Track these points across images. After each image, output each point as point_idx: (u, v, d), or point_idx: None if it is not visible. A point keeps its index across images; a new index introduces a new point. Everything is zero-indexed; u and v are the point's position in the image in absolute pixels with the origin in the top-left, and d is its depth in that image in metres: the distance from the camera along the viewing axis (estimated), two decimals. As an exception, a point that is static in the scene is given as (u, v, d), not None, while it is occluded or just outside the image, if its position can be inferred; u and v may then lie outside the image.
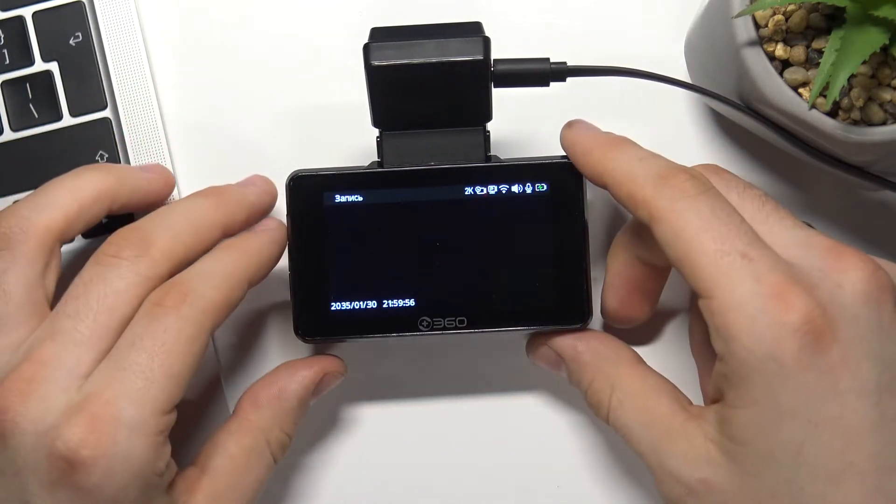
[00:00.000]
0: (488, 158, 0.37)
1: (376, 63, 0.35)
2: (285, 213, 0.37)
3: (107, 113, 0.41)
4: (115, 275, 0.33)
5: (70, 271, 0.34)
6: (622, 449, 0.40)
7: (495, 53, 0.35)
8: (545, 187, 0.36)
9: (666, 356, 0.41)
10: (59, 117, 0.41)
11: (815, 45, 0.34)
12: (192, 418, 0.40)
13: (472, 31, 0.35)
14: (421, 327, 0.36)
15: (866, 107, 0.34)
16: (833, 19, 0.34)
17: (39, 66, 0.41)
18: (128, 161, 0.40)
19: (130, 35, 0.41)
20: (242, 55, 0.42)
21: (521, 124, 0.41)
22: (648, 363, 0.36)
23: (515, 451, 0.41)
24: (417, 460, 0.41)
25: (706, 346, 0.36)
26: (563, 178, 0.36)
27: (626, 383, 0.35)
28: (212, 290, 0.33)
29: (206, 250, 0.35)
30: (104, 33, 0.41)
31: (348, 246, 0.36)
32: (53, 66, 0.41)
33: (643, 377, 0.35)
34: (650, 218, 0.32)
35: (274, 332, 0.41)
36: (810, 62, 0.34)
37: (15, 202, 0.35)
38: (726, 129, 0.41)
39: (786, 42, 0.35)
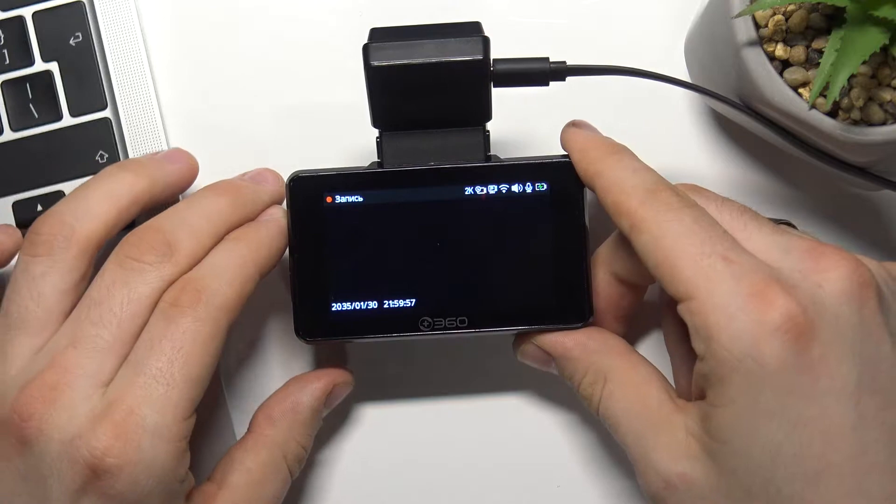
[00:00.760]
0: (488, 158, 0.37)
1: (376, 63, 0.35)
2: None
3: (107, 113, 0.41)
4: (140, 280, 0.33)
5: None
6: (622, 448, 0.40)
7: (495, 53, 0.35)
8: (545, 187, 0.36)
9: (653, 346, 0.41)
10: (59, 117, 0.41)
11: (815, 45, 0.34)
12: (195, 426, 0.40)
13: (472, 30, 0.35)
14: (422, 327, 0.36)
15: (866, 107, 0.34)
16: (833, 19, 0.34)
17: (39, 66, 0.41)
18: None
19: (130, 35, 0.41)
20: (242, 55, 0.42)
21: (521, 124, 0.41)
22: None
23: (515, 451, 0.41)
24: (417, 460, 0.41)
25: (679, 343, 0.36)
26: (562, 177, 0.36)
27: (617, 373, 0.35)
28: (226, 287, 0.33)
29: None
30: (104, 33, 0.41)
31: (348, 246, 0.36)
32: (53, 66, 0.41)
33: (634, 367, 0.35)
34: (631, 228, 0.32)
35: (274, 332, 0.41)
36: (810, 62, 0.34)
37: (56, 204, 0.35)
38: (726, 129, 0.41)
39: (786, 42, 0.35)
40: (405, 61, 0.35)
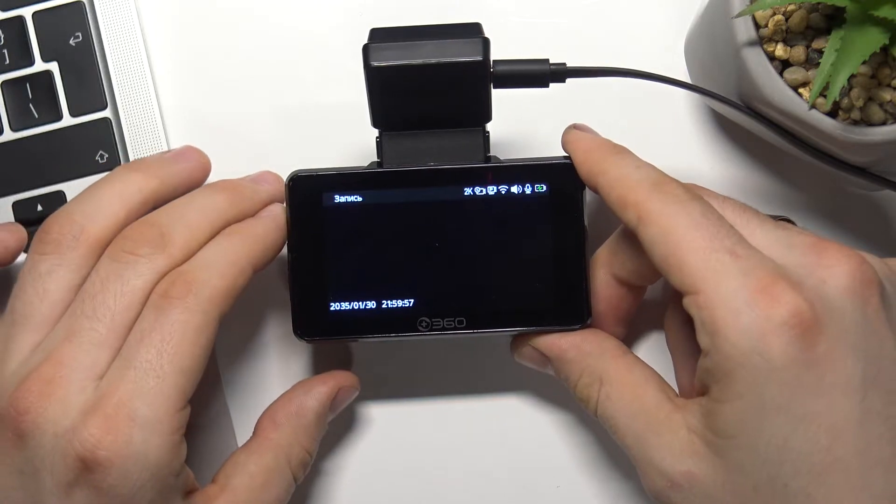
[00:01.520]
0: (488, 159, 0.37)
1: (376, 64, 0.35)
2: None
3: (107, 113, 0.41)
4: (132, 272, 0.33)
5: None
6: (623, 449, 0.40)
7: (495, 54, 0.35)
8: (544, 188, 0.36)
9: (653, 346, 0.41)
10: (59, 117, 0.41)
11: (815, 45, 0.34)
12: (194, 430, 0.40)
13: (472, 32, 0.35)
14: (420, 328, 0.36)
15: (866, 107, 0.34)
16: (833, 19, 0.34)
17: (39, 66, 0.41)
18: (128, 160, 0.40)
19: (130, 35, 0.41)
20: (243, 55, 0.42)
21: (521, 125, 0.41)
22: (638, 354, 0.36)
23: (515, 451, 0.41)
24: (416, 460, 0.41)
25: (682, 341, 0.36)
26: (562, 178, 0.36)
27: (613, 375, 0.35)
28: (216, 279, 0.33)
29: None
30: (104, 33, 0.41)
31: (348, 246, 0.36)
32: (53, 66, 0.41)
33: (630, 368, 0.35)
34: (638, 220, 0.32)
35: (274, 332, 0.41)
36: (810, 62, 0.34)
37: (66, 204, 0.35)
38: (726, 129, 0.41)
39: (786, 42, 0.34)
40: (405, 62, 0.35)
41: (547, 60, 0.36)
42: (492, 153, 0.37)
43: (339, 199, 0.36)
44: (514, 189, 0.36)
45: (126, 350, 0.32)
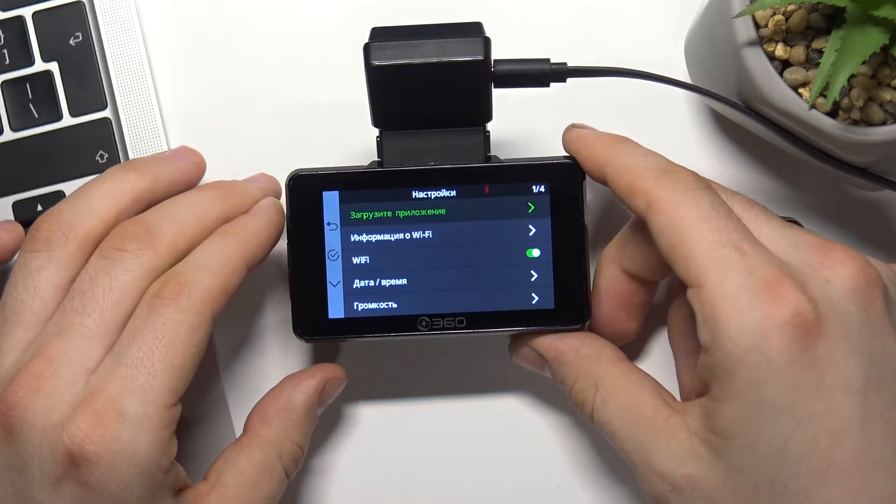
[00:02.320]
0: (488, 158, 0.37)
1: (376, 63, 0.35)
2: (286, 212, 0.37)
3: (107, 113, 0.41)
4: (120, 268, 0.33)
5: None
6: (621, 455, 0.40)
7: (496, 54, 0.35)
8: (545, 187, 0.36)
9: (649, 352, 0.41)
10: (59, 117, 0.41)
11: (815, 45, 0.34)
12: (193, 425, 0.40)
13: (473, 31, 0.35)
14: (420, 327, 0.36)
15: (866, 107, 0.34)
16: (833, 19, 0.34)
17: (39, 66, 0.41)
18: (128, 160, 0.40)
19: (130, 35, 0.41)
20: (243, 55, 0.42)
21: (521, 125, 0.41)
22: (632, 359, 0.36)
23: (514, 451, 0.41)
24: (416, 460, 0.41)
25: (685, 338, 0.36)
26: (562, 178, 0.36)
27: (609, 381, 0.35)
28: (209, 279, 0.33)
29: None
30: (104, 33, 0.41)
31: (348, 245, 0.36)
32: (53, 66, 0.41)
33: (626, 374, 0.35)
34: (647, 208, 0.32)
35: (272, 328, 0.41)
36: (810, 62, 0.34)
37: (58, 203, 0.35)
38: (726, 129, 0.41)
39: (786, 42, 0.35)
40: (406, 61, 0.35)
41: (548, 60, 0.36)
42: (492, 153, 0.37)
43: (339, 198, 0.36)
44: (515, 189, 0.36)
45: (118, 347, 0.32)
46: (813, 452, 0.30)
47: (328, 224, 0.36)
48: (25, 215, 0.40)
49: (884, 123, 0.34)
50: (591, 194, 0.37)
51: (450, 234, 0.36)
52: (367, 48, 0.35)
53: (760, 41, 0.34)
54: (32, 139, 0.41)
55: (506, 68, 0.36)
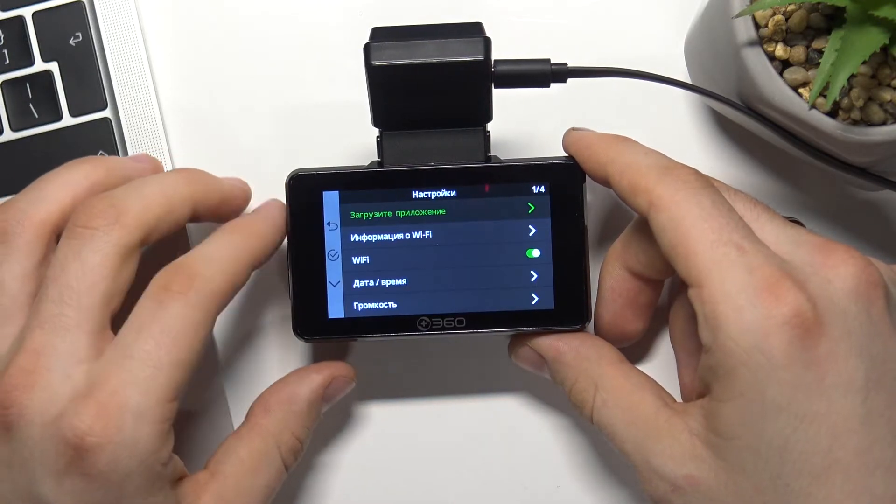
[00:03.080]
0: (488, 159, 0.37)
1: (377, 63, 0.35)
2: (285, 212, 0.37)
3: (107, 113, 0.41)
4: (89, 249, 0.32)
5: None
6: (622, 456, 0.40)
7: (496, 54, 0.35)
8: (545, 188, 0.36)
9: (649, 353, 0.41)
10: (59, 117, 0.41)
11: (815, 45, 0.34)
12: (193, 419, 0.40)
13: (473, 31, 0.35)
14: (420, 327, 0.36)
15: (866, 107, 0.34)
16: (833, 19, 0.34)
17: (39, 66, 0.41)
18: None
19: (130, 35, 0.41)
20: (243, 55, 0.42)
21: (522, 125, 0.41)
22: (632, 361, 0.36)
23: (514, 451, 0.41)
24: (417, 460, 0.41)
25: (686, 338, 0.36)
26: (562, 178, 0.36)
27: (608, 382, 0.35)
28: (219, 275, 0.33)
29: (177, 225, 0.35)
30: (104, 33, 0.41)
31: (348, 245, 0.36)
32: (53, 66, 0.41)
33: (626, 375, 0.35)
34: (649, 206, 0.32)
35: (273, 323, 0.41)
36: (810, 62, 0.34)
37: (12, 197, 0.35)
38: (726, 129, 0.41)
39: (786, 42, 0.35)
40: (406, 61, 0.35)
41: (548, 60, 0.36)
42: (492, 153, 0.37)
43: (339, 198, 0.36)
44: (515, 189, 0.36)
45: (122, 339, 0.32)
46: (814, 452, 0.30)
47: (328, 224, 0.36)
48: (25, 215, 0.40)
49: (884, 123, 0.34)
50: (592, 195, 0.37)
51: (450, 235, 0.36)
52: (367, 48, 0.35)
53: (760, 41, 0.34)
54: (32, 139, 0.41)
55: (506, 68, 0.36)
